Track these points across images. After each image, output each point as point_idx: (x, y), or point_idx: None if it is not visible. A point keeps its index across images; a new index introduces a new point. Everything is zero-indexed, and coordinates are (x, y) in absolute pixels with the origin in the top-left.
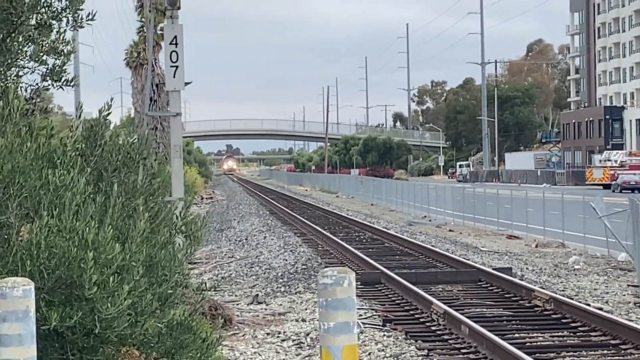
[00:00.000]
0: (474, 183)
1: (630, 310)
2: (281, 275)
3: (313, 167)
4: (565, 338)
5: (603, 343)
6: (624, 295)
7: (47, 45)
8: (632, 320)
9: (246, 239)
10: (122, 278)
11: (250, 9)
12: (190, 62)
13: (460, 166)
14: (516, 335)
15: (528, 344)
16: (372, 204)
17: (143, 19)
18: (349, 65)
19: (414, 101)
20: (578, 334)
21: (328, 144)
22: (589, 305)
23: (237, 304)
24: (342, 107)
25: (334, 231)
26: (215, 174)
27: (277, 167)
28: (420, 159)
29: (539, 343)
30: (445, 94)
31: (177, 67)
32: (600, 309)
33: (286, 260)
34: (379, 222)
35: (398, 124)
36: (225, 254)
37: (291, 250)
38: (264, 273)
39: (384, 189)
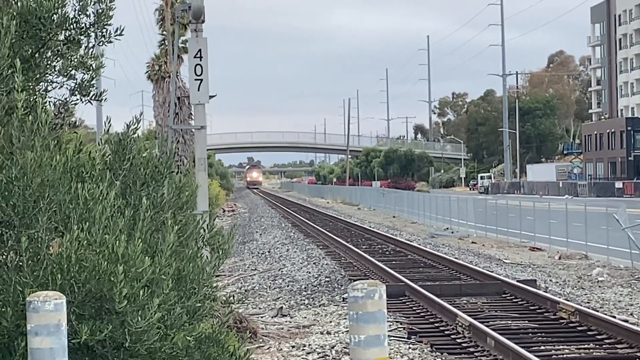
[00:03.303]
0: (495, 195)
1: None
2: (305, 287)
3: (334, 180)
4: (591, 350)
5: (630, 356)
6: None
7: (75, 60)
8: None
9: (269, 252)
10: (152, 291)
11: (270, 22)
12: (211, 75)
13: (482, 178)
14: (542, 347)
15: (554, 356)
16: (393, 216)
17: (164, 32)
18: (370, 77)
19: (435, 113)
20: (604, 346)
21: (349, 156)
22: (614, 317)
23: (262, 317)
24: (363, 119)
25: (357, 243)
26: (236, 187)
27: (298, 179)
28: (442, 170)
29: (565, 355)
30: (466, 106)
31: (201, 80)
32: (626, 321)
33: (309, 272)
34: (401, 234)
35: (419, 135)
36: (248, 267)
37: (314, 263)
38: (288, 286)
39: (405, 201)
